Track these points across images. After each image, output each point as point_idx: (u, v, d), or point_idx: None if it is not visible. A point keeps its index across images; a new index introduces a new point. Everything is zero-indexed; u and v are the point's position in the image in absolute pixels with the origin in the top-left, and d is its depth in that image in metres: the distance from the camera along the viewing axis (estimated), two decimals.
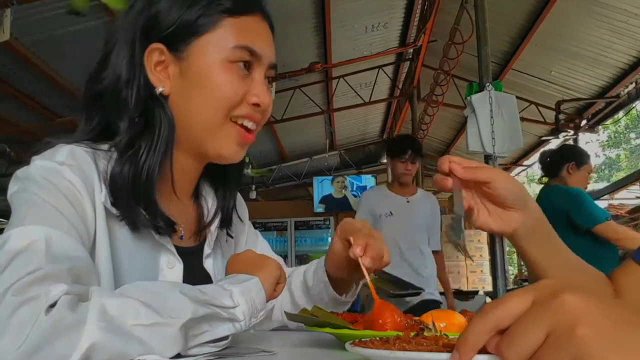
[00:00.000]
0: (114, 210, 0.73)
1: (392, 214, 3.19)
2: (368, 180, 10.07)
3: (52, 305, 0.52)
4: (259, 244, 1.06)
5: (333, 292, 0.94)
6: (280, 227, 9.79)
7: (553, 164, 3.12)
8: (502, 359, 0.36)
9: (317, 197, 9.91)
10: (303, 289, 1.00)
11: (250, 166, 8.42)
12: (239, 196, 0.98)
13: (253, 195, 9.65)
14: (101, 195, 0.73)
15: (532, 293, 0.37)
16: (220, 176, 0.92)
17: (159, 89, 0.78)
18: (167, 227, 0.77)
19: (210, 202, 0.91)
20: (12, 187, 0.71)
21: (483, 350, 0.38)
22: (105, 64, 0.80)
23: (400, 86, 8.02)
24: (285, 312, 0.89)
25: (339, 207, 9.87)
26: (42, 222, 0.63)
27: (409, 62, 7.46)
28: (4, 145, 6.19)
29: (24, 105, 5.79)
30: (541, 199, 2.96)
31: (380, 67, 7.20)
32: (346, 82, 7.13)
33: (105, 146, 0.77)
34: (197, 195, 0.91)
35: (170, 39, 0.78)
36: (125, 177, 0.74)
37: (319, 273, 0.96)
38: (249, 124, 0.81)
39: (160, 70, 0.79)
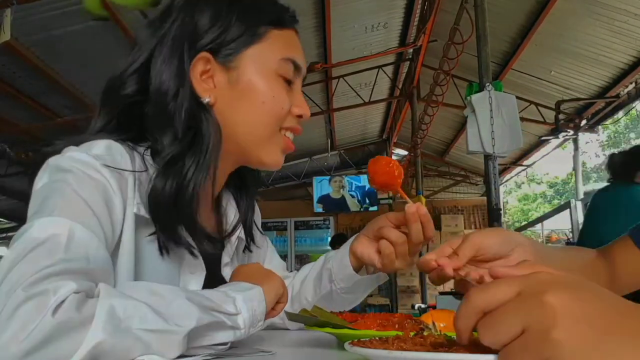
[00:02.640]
0: (146, 216, 0.72)
1: None
2: (367, 180, 10.08)
3: (60, 304, 0.51)
4: (269, 253, 1.07)
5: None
6: (280, 227, 9.79)
7: (626, 167, 2.93)
8: (480, 339, 0.38)
9: (316, 197, 9.92)
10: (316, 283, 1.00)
11: None
12: (255, 206, 0.98)
13: None
14: (134, 199, 0.70)
15: (519, 284, 0.37)
16: (241, 186, 0.92)
17: (206, 99, 0.76)
18: (208, 244, 0.76)
19: (231, 213, 0.90)
20: (43, 177, 0.67)
21: (485, 351, 0.38)
22: (137, 72, 0.77)
23: (400, 86, 8.02)
24: (286, 312, 0.89)
25: (337, 208, 9.88)
26: (69, 215, 0.60)
27: (408, 62, 7.46)
28: (4, 145, 6.19)
29: (24, 105, 5.79)
30: (622, 196, 2.84)
31: (380, 67, 7.20)
32: (346, 82, 7.13)
33: (142, 148, 0.75)
34: (218, 202, 0.90)
35: (218, 48, 0.77)
36: (168, 194, 0.71)
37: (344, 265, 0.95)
38: (290, 135, 0.83)
39: (205, 79, 0.77)
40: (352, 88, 7.23)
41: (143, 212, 0.71)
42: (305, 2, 5.26)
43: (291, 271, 1.11)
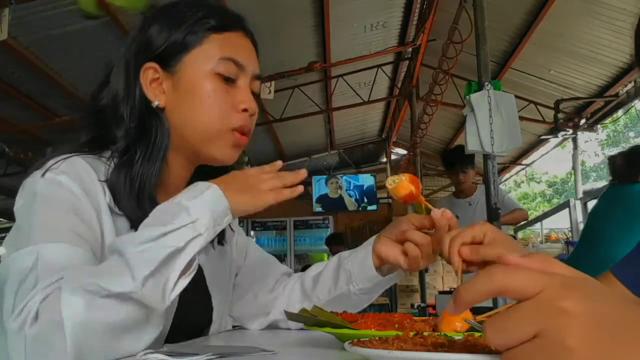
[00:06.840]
0: (118, 212, 0.81)
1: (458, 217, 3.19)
2: (366, 179, 10.07)
3: (36, 317, 0.61)
4: (251, 246, 1.12)
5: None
6: (279, 226, 9.78)
7: (630, 167, 2.84)
8: (486, 338, 0.36)
9: (315, 197, 9.91)
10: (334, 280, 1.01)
11: (249, 165, 8.41)
12: None
13: None
14: (105, 197, 0.80)
15: (544, 281, 0.35)
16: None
17: (155, 103, 0.87)
18: None
19: None
20: (19, 200, 0.78)
21: (485, 351, 0.38)
22: (105, 84, 0.90)
23: (399, 85, 8.02)
24: (285, 312, 0.89)
25: (335, 207, 9.86)
26: (44, 239, 0.70)
27: (407, 62, 7.46)
28: (3, 145, 6.18)
29: (23, 105, 5.78)
30: (627, 198, 2.78)
31: (379, 66, 7.20)
32: (345, 81, 7.12)
33: (107, 153, 0.85)
34: None
35: (163, 57, 0.87)
36: (122, 182, 0.81)
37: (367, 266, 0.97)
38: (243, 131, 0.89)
39: (155, 86, 0.87)
40: (351, 87, 7.23)
41: (113, 205, 0.81)
42: (305, 2, 5.26)
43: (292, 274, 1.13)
